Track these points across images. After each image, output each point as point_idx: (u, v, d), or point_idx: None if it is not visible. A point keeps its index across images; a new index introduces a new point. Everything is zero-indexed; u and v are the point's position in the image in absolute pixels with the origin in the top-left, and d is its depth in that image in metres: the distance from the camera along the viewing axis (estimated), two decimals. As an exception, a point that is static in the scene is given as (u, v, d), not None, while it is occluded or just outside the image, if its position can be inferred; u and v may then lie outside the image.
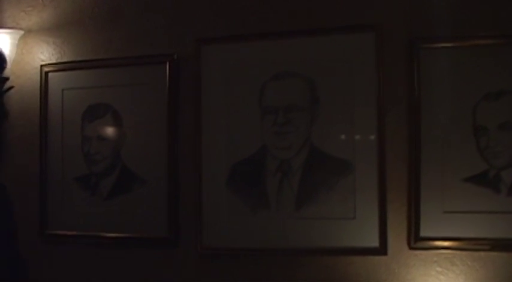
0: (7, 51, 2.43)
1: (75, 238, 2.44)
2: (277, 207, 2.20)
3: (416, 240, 2.08)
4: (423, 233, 2.07)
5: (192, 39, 2.32)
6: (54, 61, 2.54)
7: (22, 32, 2.50)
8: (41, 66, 2.55)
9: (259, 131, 2.22)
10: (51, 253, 2.49)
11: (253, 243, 2.22)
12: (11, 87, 2.47)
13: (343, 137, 2.15)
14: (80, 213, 2.45)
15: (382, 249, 2.10)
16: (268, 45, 2.23)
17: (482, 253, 2.05)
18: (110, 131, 2.42)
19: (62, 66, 2.51)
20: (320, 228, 2.15)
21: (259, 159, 2.22)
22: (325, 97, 2.16)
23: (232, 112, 2.26)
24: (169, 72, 2.33)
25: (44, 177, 2.51)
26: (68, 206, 2.47)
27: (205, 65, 2.29)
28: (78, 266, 2.46)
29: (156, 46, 2.38)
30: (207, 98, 2.28)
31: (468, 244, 2.05)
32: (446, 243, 2.06)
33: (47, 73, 2.53)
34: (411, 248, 2.09)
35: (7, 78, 2.43)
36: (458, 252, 2.07)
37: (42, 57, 2.56)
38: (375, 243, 2.10)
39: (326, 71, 2.17)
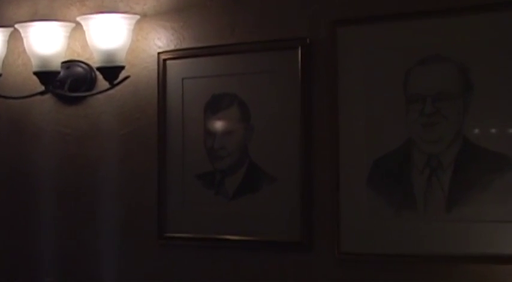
0: (122, 38, 2.72)
1: (196, 241, 2.73)
2: (425, 208, 2.36)
3: None
4: None
5: (327, 21, 2.50)
6: (172, 48, 2.79)
7: (138, 17, 2.78)
8: (158, 53, 2.81)
9: (403, 122, 2.39)
10: (170, 257, 2.79)
11: (397, 248, 2.40)
12: (126, 77, 2.79)
13: (501, 128, 2.28)
14: (202, 214, 2.72)
15: (549, 258, 2.22)
16: (413, 26, 2.39)
17: None
18: (235, 123, 2.68)
19: (181, 53, 2.77)
20: (475, 232, 2.29)
21: (404, 154, 2.39)
22: (479, 83, 2.29)
23: (372, 101, 2.44)
24: (301, 58, 2.53)
25: (163, 175, 2.79)
26: (189, 206, 2.76)
27: (341, 50, 2.48)
28: (199, 270, 2.74)
29: (287, 29, 2.58)
30: (344, 86, 2.47)
31: None
32: None
33: (165, 61, 2.79)
34: None
35: (122, 68, 2.76)
36: None
37: (159, 43, 2.82)
38: (541, 251, 2.23)
39: (480, 54, 2.30)
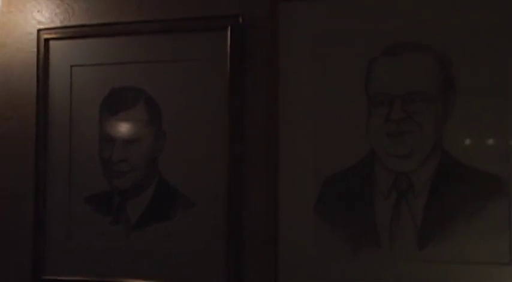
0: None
1: (85, 287, 2.61)
2: (391, 244, 2.37)
3: None
4: None
5: (265, -6, 2.45)
6: (58, 24, 2.78)
7: (11, -19, 2.68)
8: (39, 31, 2.79)
9: (364, 130, 2.40)
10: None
11: (354, 295, 2.35)
12: (-6, 62, 2.71)
13: (492, 141, 2.30)
14: (94, 250, 2.67)
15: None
16: (380, 4, 2.39)
17: None
18: (142, 128, 2.65)
19: (70, 32, 2.75)
20: (456, 276, 2.31)
21: (364, 172, 2.41)
22: (464, 81, 2.32)
23: (323, 101, 2.45)
24: (231, 42, 2.54)
25: (41, 196, 2.74)
26: (76, 239, 2.71)
27: (284, 32, 2.50)
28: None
29: (213, 4, 2.58)
30: (287, 80, 2.49)
31: None
32: None
33: (47, 41, 2.77)
34: None
35: (-11, 49, 2.68)
36: None
37: (40, 18, 2.81)
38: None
39: (466, 42, 2.33)
